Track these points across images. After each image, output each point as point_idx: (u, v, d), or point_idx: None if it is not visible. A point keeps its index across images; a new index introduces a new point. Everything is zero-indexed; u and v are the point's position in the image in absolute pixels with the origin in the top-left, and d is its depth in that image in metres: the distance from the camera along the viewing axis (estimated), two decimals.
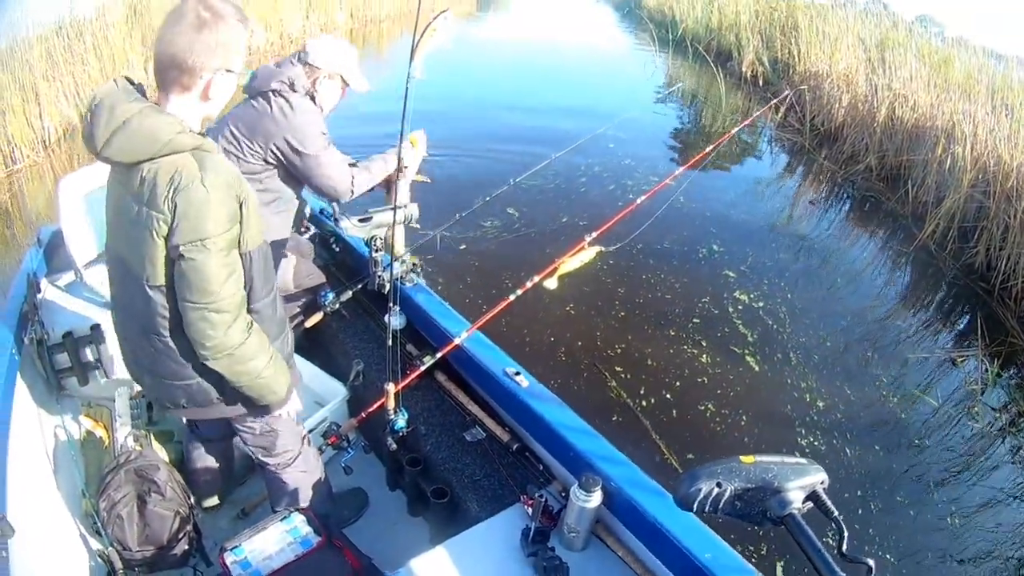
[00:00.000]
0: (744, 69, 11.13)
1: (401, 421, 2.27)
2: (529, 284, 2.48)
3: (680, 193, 5.65)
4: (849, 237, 6.36)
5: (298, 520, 2.07)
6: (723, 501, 0.99)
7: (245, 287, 1.57)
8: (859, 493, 3.27)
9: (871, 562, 0.90)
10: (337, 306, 2.80)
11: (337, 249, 3.12)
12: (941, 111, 6.83)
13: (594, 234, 2.64)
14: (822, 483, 0.99)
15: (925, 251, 5.88)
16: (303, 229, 2.98)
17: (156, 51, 1.40)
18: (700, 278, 5.08)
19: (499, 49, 13.57)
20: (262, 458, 2.04)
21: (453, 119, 7.97)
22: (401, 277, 2.61)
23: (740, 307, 4.74)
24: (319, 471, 2.17)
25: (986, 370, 4.30)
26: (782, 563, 2.87)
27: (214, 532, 2.39)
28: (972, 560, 3.02)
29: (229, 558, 1.95)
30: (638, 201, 3.02)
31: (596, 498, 1.73)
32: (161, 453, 2.27)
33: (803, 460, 1.01)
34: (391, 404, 2.23)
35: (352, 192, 2.49)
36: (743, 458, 1.00)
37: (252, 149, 2.32)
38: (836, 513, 0.97)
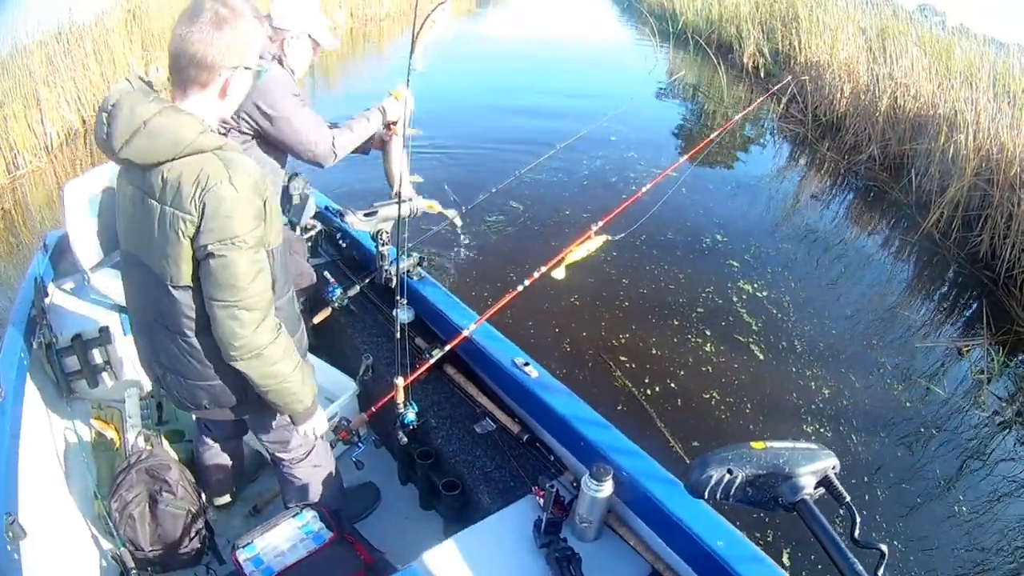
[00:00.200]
0: (745, 61, 11.09)
1: (411, 415, 2.27)
2: (536, 274, 2.49)
3: (683, 185, 5.66)
4: (852, 227, 6.34)
5: (310, 516, 2.08)
6: (734, 488, 0.98)
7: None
8: (865, 479, 3.28)
9: (884, 547, 0.89)
10: (345, 301, 2.81)
11: (343, 244, 3.12)
12: (943, 100, 6.80)
13: (600, 223, 2.64)
14: (833, 468, 0.98)
15: (929, 240, 5.86)
16: (307, 226, 2.97)
17: (173, 49, 1.39)
18: (704, 268, 5.08)
19: (500, 44, 13.54)
20: (277, 454, 2.05)
21: (455, 115, 7.97)
22: (408, 271, 2.61)
23: (744, 296, 4.74)
24: (331, 466, 2.17)
25: (992, 359, 4.30)
26: (788, 550, 2.89)
27: (226, 530, 2.41)
28: (980, 549, 3.02)
29: (242, 555, 1.96)
30: (644, 188, 3.02)
31: (607, 488, 1.72)
32: (172, 453, 2.28)
33: (814, 445, 1.00)
34: (401, 398, 2.24)
35: (335, 154, 2.39)
36: (754, 444, 0.99)
37: (226, 123, 2.25)
38: (848, 498, 0.96)
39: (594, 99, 9.10)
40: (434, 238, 3.05)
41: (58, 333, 2.40)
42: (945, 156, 6.19)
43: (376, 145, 2.64)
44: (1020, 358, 4.43)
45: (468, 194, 3.40)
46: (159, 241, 1.45)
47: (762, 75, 10.45)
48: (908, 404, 3.89)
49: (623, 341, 4.17)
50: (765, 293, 4.80)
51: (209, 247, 1.41)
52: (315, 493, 2.13)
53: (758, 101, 4.43)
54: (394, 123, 2.52)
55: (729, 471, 0.97)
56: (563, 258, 2.47)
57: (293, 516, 2.07)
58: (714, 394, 3.77)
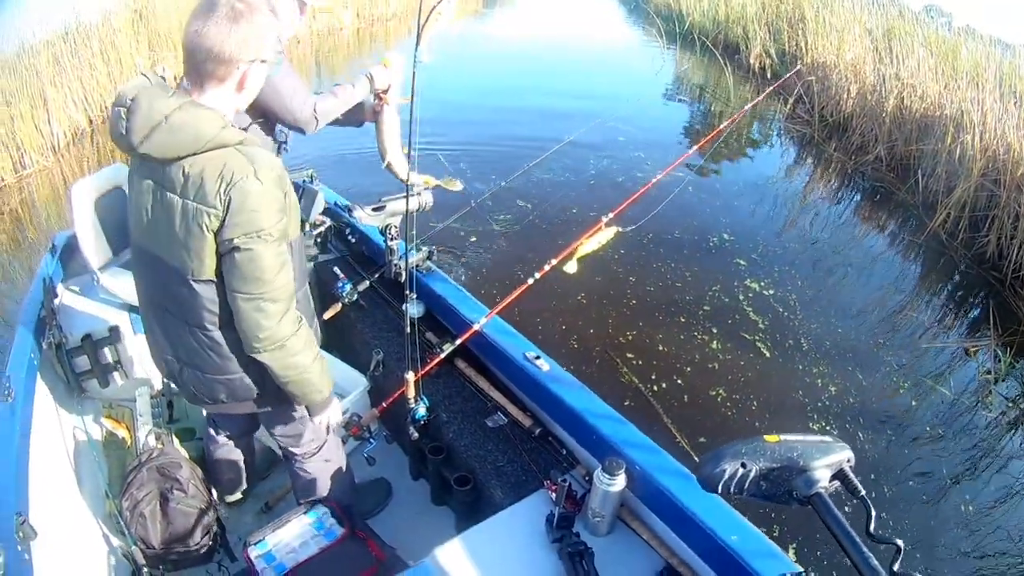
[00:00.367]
0: (752, 61, 11.07)
1: (422, 409, 2.27)
2: (547, 267, 2.48)
3: (690, 184, 5.67)
4: (859, 227, 6.33)
5: (322, 512, 2.09)
6: (748, 482, 0.97)
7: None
8: (872, 477, 3.27)
9: (900, 542, 0.89)
10: (355, 297, 2.81)
11: (352, 239, 3.11)
12: (950, 100, 6.77)
13: (611, 215, 2.63)
14: (848, 461, 0.97)
15: (936, 240, 5.85)
16: (316, 222, 2.96)
17: (188, 44, 1.39)
18: (711, 267, 5.09)
19: (506, 45, 13.54)
20: (290, 448, 2.05)
21: (463, 113, 7.99)
22: (417, 265, 2.60)
23: (751, 295, 4.74)
24: (342, 461, 2.18)
25: (999, 360, 4.28)
26: (794, 545, 2.89)
27: (238, 527, 2.41)
28: (987, 549, 3.01)
29: (253, 552, 1.98)
30: (656, 178, 3.02)
31: (620, 482, 1.72)
32: (183, 451, 2.28)
33: (828, 438, 0.99)
34: (412, 393, 2.24)
35: (316, 119, 2.30)
36: (767, 437, 0.98)
37: None
38: (863, 492, 0.95)
39: (601, 100, 9.10)
40: (442, 233, 3.05)
41: (68, 333, 2.41)
42: (952, 157, 6.17)
43: (369, 117, 2.55)
44: None
45: (478, 189, 3.40)
46: (180, 235, 1.46)
47: (768, 76, 10.42)
48: (914, 403, 3.89)
49: (630, 338, 4.18)
50: (772, 291, 4.80)
51: (235, 241, 1.42)
52: (326, 488, 2.13)
53: (768, 90, 4.44)
54: (386, 91, 2.45)
55: (743, 465, 0.96)
56: (575, 250, 2.46)
57: (305, 512, 2.08)
58: (720, 391, 3.77)
